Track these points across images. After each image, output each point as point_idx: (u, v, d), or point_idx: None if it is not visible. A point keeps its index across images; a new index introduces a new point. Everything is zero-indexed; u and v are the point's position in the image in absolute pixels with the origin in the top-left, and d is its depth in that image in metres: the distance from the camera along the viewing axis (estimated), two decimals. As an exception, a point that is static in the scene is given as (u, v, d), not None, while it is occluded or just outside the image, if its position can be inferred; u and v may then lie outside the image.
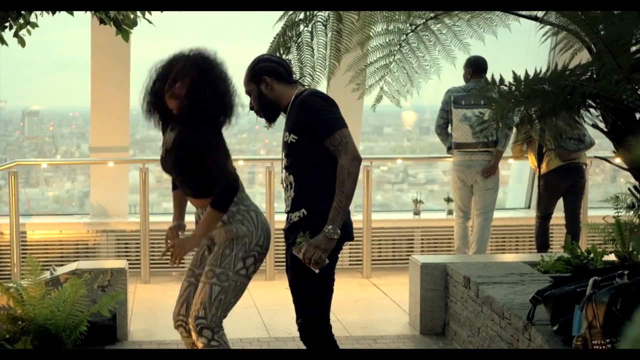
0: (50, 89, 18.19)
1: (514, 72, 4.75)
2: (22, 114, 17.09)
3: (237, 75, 5.08)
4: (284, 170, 4.94)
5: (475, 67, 8.91)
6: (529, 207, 11.04)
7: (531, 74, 4.73)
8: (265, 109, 4.96)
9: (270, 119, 5.06)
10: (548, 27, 5.34)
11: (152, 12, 6.06)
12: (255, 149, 15.66)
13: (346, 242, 4.92)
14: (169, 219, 5.30)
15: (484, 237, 9.06)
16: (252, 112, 5.06)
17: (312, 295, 4.81)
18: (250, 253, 4.84)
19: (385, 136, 17.89)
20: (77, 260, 8.17)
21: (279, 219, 7.57)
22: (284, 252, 5.02)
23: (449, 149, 9.08)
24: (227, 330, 7.16)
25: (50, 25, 6.31)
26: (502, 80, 4.80)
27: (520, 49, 11.18)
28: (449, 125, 9.04)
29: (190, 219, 5.14)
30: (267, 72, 4.92)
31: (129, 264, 8.15)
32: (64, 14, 5.68)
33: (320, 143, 4.74)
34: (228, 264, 4.79)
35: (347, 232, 4.79)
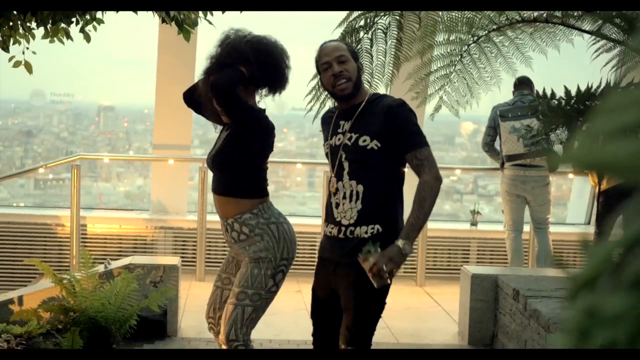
0: (123, 85, 18.43)
1: (565, 87, 4.73)
2: (99, 109, 17.34)
3: (292, 80, 5.08)
4: (345, 177, 4.47)
5: (519, 81, 9.00)
6: (588, 224, 10.95)
7: (583, 89, 4.70)
8: (356, 87, 4.52)
9: (348, 98, 4.56)
10: (601, 42, 5.31)
11: (214, 13, 6.12)
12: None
13: None
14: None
15: (548, 251, 9.04)
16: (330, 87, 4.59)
17: (373, 315, 4.50)
18: (279, 269, 4.75)
19: (455, 146, 17.86)
20: (133, 255, 8.29)
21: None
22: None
23: (502, 164, 9.07)
24: (275, 331, 7.24)
25: (119, 22, 6.39)
26: (553, 94, 4.78)
27: (586, 64, 11.09)
28: (497, 141, 9.07)
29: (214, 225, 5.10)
30: (359, 59, 4.72)
31: (185, 261, 8.24)
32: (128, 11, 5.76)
33: (400, 156, 4.43)
34: (260, 284, 4.70)
35: None
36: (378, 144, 4.39)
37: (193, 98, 5.06)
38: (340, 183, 4.49)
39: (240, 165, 4.77)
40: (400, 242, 4.25)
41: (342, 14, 5.96)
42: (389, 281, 4.27)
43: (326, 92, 5.15)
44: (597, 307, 0.72)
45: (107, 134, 17.73)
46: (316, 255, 4.86)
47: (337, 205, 4.49)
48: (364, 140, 4.43)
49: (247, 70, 4.72)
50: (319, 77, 4.82)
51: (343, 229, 4.48)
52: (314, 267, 4.82)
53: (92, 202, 12.83)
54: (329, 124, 4.71)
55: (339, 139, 4.54)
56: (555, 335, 6.05)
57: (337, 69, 4.49)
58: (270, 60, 4.83)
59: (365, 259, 4.25)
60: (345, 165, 4.48)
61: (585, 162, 0.75)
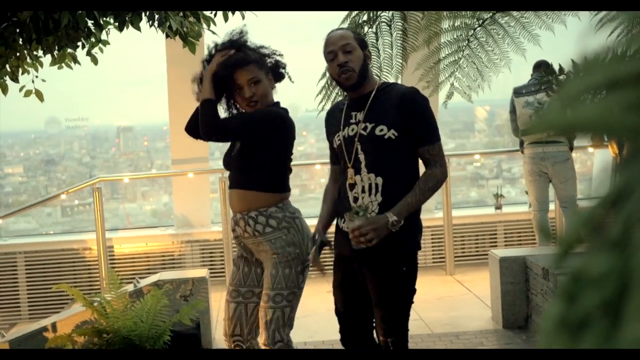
0: (139, 104, 18.52)
1: (572, 61, 4.70)
2: (117, 130, 17.43)
3: (296, 79, 5.10)
4: (364, 170, 4.40)
5: (537, 65, 9.02)
6: (615, 196, 10.90)
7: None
8: (361, 76, 4.48)
9: (355, 87, 4.51)
10: (603, 13, 5.28)
11: (217, 22, 6.13)
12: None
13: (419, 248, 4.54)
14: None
15: None
16: (335, 77, 4.57)
17: (405, 302, 4.50)
18: (305, 264, 4.78)
19: (476, 132, 17.85)
20: (162, 272, 8.31)
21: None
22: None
23: (521, 144, 9.05)
24: (310, 333, 7.25)
25: (128, 42, 6.42)
26: (561, 69, 4.75)
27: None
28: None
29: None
30: (367, 47, 4.68)
31: (214, 272, 8.26)
32: (131, 27, 5.78)
33: (415, 146, 4.41)
34: (292, 282, 4.71)
35: (418, 242, 4.50)
36: (395, 133, 4.34)
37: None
38: (359, 176, 4.41)
39: (264, 162, 4.76)
40: (390, 217, 4.22)
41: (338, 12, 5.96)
42: (362, 246, 4.24)
43: (335, 85, 5.17)
44: (582, 269, 0.72)
45: (129, 155, 17.82)
46: None
47: (356, 199, 4.41)
48: (381, 130, 4.37)
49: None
50: (327, 67, 4.78)
51: None
52: None
53: (119, 223, 12.86)
54: (337, 116, 4.65)
55: (353, 130, 4.48)
56: (547, 304, 6.04)
57: (342, 59, 4.46)
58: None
59: (351, 218, 4.25)
60: (362, 157, 4.42)
61: (558, 126, 0.75)
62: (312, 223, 4.82)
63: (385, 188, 4.35)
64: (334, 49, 4.51)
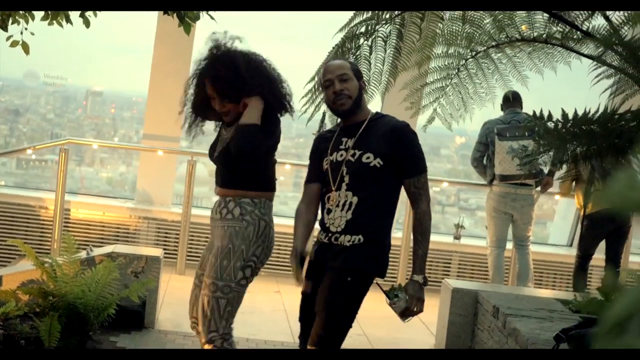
0: (115, 71, 18.39)
1: (562, 110, 4.73)
2: (86, 93, 17.27)
3: (290, 77, 5.09)
4: (343, 188, 4.62)
5: (512, 98, 8.96)
6: (570, 245, 10.99)
7: (580, 113, 4.71)
8: (355, 104, 4.70)
9: (348, 114, 4.73)
10: (603, 68, 5.33)
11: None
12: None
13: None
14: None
15: (529, 268, 9.08)
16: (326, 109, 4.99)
17: (344, 323, 4.58)
18: (248, 263, 4.79)
19: (441, 157, 17.89)
20: (115, 244, 8.27)
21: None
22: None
23: (491, 181, 9.07)
24: (253, 330, 7.23)
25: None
26: (550, 116, 4.78)
27: (582, 86, 11.14)
28: (488, 157, 9.07)
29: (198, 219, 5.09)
30: (362, 78, 4.89)
31: (167, 253, 8.23)
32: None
33: (399, 176, 4.64)
34: (229, 275, 4.75)
35: (384, 270, 4.67)
36: (381, 162, 4.59)
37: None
38: (337, 193, 4.64)
39: (246, 162, 4.80)
40: (419, 278, 4.54)
41: (337, 15, 5.98)
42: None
43: (321, 91, 5.24)
44: (629, 347, 0.73)
45: (94, 119, 17.66)
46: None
47: (329, 211, 4.66)
48: (368, 157, 4.61)
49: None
50: (322, 91, 4.94)
51: (330, 235, 4.64)
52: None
53: (73, 185, 12.75)
54: (327, 141, 4.83)
55: (342, 155, 4.69)
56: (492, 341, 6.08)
57: (338, 87, 4.68)
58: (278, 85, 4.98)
59: (394, 303, 4.53)
60: (346, 178, 4.64)
61: (625, 202, 0.76)
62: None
63: (358, 207, 4.58)
64: (331, 77, 4.72)
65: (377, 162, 4.58)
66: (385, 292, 4.60)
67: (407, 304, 4.48)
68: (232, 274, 4.76)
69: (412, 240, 4.66)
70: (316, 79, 5.82)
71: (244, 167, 4.82)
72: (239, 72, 4.80)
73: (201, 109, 5.07)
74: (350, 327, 4.62)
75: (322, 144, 4.86)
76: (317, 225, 4.85)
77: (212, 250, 4.95)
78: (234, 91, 4.79)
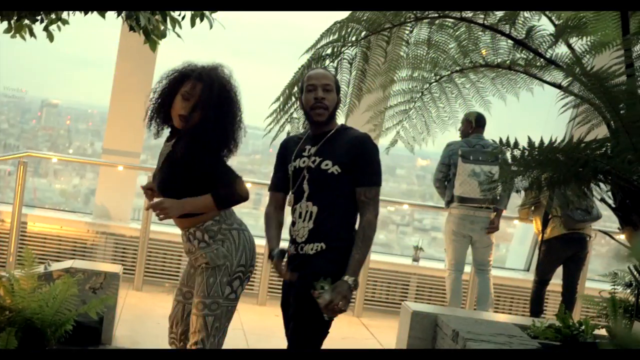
0: (73, 84, 18.27)
1: (529, 138, 4.76)
2: (41, 104, 17.13)
3: (247, 96, 5.02)
4: (303, 200, 4.77)
5: (477, 121, 8.99)
6: (527, 270, 11.06)
7: (546, 141, 4.74)
8: (330, 116, 4.81)
9: (321, 125, 4.82)
10: (570, 98, 5.38)
11: (182, 26, 6.10)
12: (267, 172, 15.68)
13: None
14: (171, 229, 5.22)
15: (490, 293, 9.11)
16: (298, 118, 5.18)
17: (313, 337, 4.74)
18: (235, 275, 4.75)
19: (397, 178, 17.92)
20: (73, 258, 8.20)
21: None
22: (279, 278, 4.95)
23: (449, 202, 9.09)
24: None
25: (80, 22, 6.34)
26: (516, 143, 4.81)
27: (541, 112, 11.24)
28: (448, 179, 9.08)
29: (157, 235, 5.06)
30: (339, 92, 4.96)
31: (124, 269, 8.16)
32: (96, 13, 5.71)
33: (354, 185, 4.70)
34: (216, 292, 4.71)
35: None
36: (339, 169, 4.70)
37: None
38: (298, 204, 4.79)
39: (192, 183, 4.73)
40: (349, 279, 4.57)
41: (305, 34, 5.99)
42: (337, 315, 4.62)
43: (285, 111, 5.29)
44: None
45: (48, 130, 17.51)
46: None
47: (294, 223, 4.83)
48: (326, 164, 4.73)
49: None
50: (300, 95, 4.94)
51: (297, 245, 4.79)
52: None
53: (26, 196, 12.62)
54: (292, 148, 4.94)
55: (304, 162, 4.81)
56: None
57: (320, 94, 4.78)
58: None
59: (319, 294, 4.53)
60: (306, 188, 4.77)
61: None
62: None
63: (319, 216, 4.72)
64: (315, 83, 4.81)
65: (335, 169, 4.70)
66: (312, 282, 4.59)
67: (332, 298, 4.48)
68: (219, 290, 4.73)
69: (353, 245, 4.66)
70: (286, 92, 5.86)
71: (189, 187, 4.71)
72: (228, 97, 4.76)
73: (164, 105, 4.92)
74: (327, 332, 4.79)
75: (288, 149, 4.97)
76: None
77: (195, 267, 4.91)
78: (211, 108, 4.70)
